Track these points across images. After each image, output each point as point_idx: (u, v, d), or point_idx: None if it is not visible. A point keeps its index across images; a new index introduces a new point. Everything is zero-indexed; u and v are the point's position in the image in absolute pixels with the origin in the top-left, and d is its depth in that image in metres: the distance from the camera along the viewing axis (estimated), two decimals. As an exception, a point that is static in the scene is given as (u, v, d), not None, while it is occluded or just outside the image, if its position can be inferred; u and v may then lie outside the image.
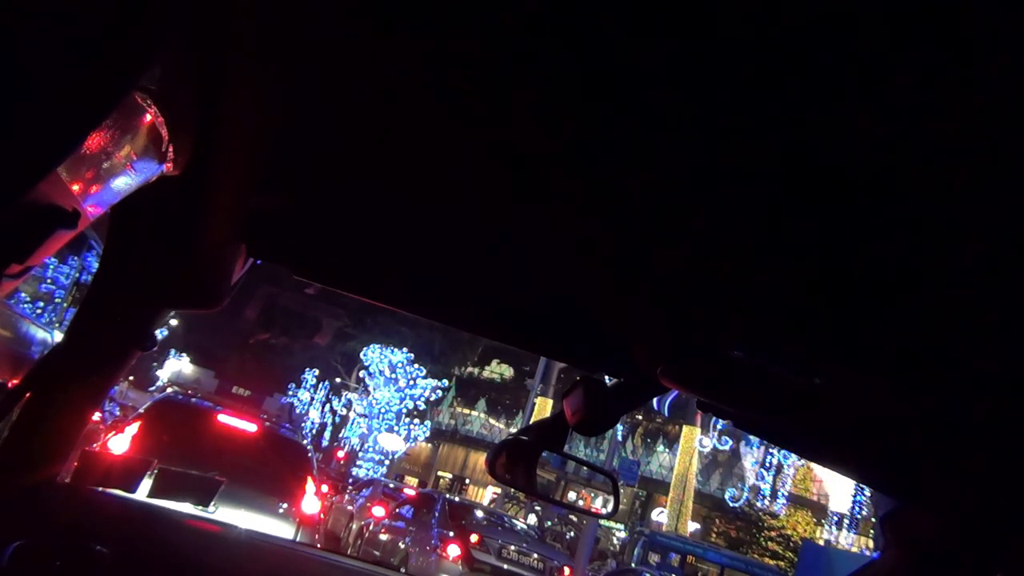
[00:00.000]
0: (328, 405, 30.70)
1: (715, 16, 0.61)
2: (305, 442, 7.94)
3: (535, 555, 9.83)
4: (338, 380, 31.53)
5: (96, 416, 3.22)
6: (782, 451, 19.31)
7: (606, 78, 0.74)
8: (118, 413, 13.54)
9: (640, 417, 26.65)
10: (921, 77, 0.60)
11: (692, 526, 22.73)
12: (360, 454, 26.28)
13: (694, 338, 1.24)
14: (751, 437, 17.74)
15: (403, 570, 8.77)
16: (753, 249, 0.94)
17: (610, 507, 1.96)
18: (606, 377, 1.61)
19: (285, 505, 5.96)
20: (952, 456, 1.08)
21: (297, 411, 30.50)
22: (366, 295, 1.60)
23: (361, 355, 27.25)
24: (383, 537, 10.67)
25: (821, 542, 20.74)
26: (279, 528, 5.67)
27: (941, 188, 0.70)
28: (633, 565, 15.94)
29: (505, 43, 0.74)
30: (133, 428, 5.75)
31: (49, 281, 6.54)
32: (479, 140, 0.94)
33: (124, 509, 1.56)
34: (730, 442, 22.29)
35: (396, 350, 26.57)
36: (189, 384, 27.42)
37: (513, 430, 20.71)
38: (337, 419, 30.27)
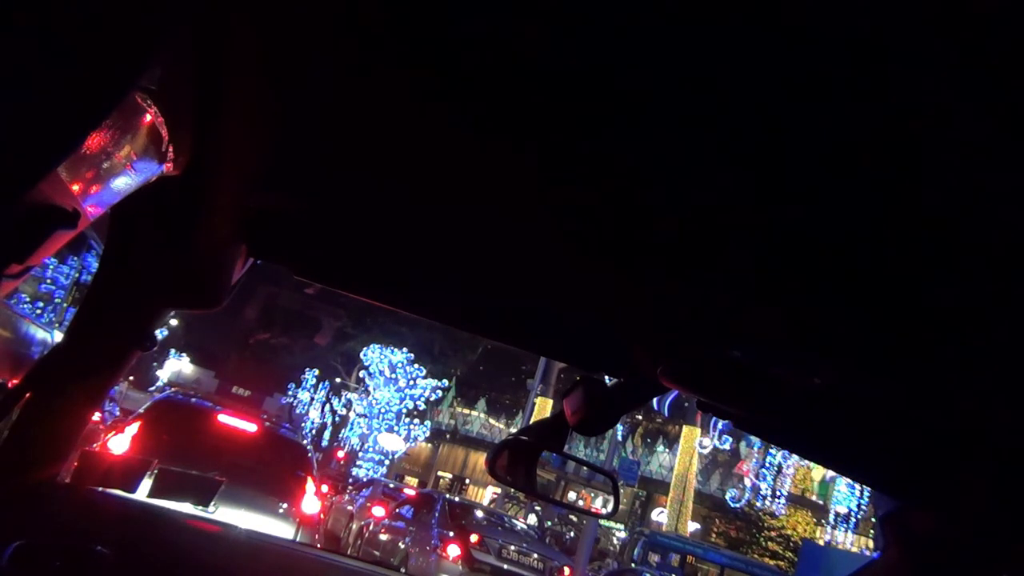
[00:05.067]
0: (328, 405, 30.68)
1: (710, 13, 0.61)
2: (305, 442, 7.94)
3: (535, 555, 9.83)
4: (338, 380, 31.52)
5: (96, 416, 3.22)
6: (782, 451, 19.32)
7: (605, 78, 0.74)
8: (118, 413, 13.53)
9: (640, 417, 26.64)
10: (923, 76, 0.60)
11: (692, 526, 22.73)
12: (360, 454, 26.27)
13: (694, 338, 1.24)
14: (751, 437, 17.74)
15: (403, 570, 8.77)
16: (753, 249, 0.94)
17: (610, 507, 1.96)
18: (606, 377, 1.61)
19: (285, 505, 5.96)
20: (952, 456, 1.08)
21: (297, 411, 30.49)
22: (366, 295, 1.60)
23: (361, 355, 27.24)
24: (383, 537, 10.67)
25: (821, 542, 20.74)
26: (279, 528, 5.67)
27: (942, 188, 0.70)
28: (633, 565, 15.94)
29: (504, 45, 0.74)
30: (133, 428, 5.75)
31: (49, 281, 6.53)
32: (479, 140, 0.94)
33: (124, 509, 1.56)
34: (730, 440, 22.31)
35: (396, 350, 26.55)
36: (189, 384, 27.43)
37: (513, 430, 20.72)
38: (337, 419, 30.26)
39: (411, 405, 26.69)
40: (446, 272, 1.43)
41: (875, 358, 1.03)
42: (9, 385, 1.34)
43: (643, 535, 18.08)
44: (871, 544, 19.63)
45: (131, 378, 24.72)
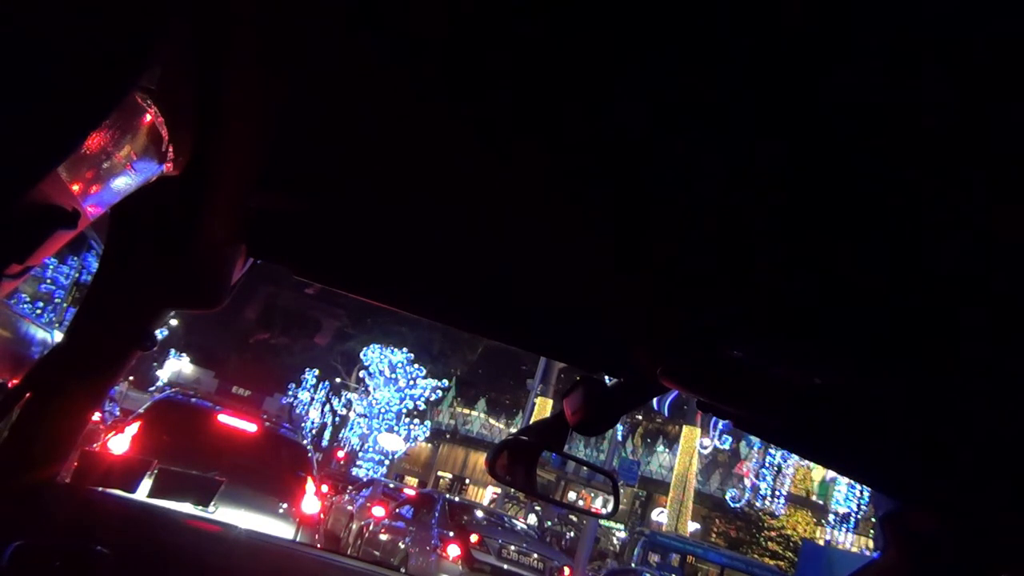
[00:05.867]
0: (328, 405, 30.70)
1: (713, 15, 0.61)
2: (305, 442, 7.94)
3: (535, 555, 9.83)
4: (338, 380, 31.53)
5: (96, 416, 3.22)
6: (781, 451, 19.32)
7: (604, 78, 0.74)
8: (118, 413, 13.53)
9: (640, 417, 26.66)
10: (921, 76, 0.60)
11: (692, 526, 22.73)
12: (360, 454, 26.29)
13: (694, 338, 1.24)
14: (751, 437, 17.74)
15: (403, 570, 8.77)
16: (753, 249, 0.94)
17: (610, 507, 1.96)
18: (606, 377, 1.61)
19: (285, 505, 5.96)
20: (952, 456, 1.08)
21: (297, 411, 30.51)
22: (366, 295, 1.60)
23: (361, 355, 27.25)
24: (383, 537, 10.67)
25: (821, 542, 20.74)
26: (279, 528, 5.67)
27: (942, 188, 0.70)
28: (633, 565, 15.93)
29: (503, 46, 0.74)
30: (133, 428, 5.75)
31: (49, 281, 6.53)
32: (479, 141, 0.94)
33: (124, 509, 1.56)
34: (729, 440, 22.32)
35: (396, 350, 26.56)
36: (189, 384, 27.43)
37: (513, 430, 20.70)
38: (337, 419, 30.27)
39: (411, 405, 26.70)
40: (446, 272, 1.44)
41: (875, 358, 1.03)
42: (9, 385, 1.34)
43: (643, 535, 18.06)
44: (871, 544, 19.64)
45: (131, 378, 24.71)
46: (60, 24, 0.65)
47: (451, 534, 9.38)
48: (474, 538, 9.37)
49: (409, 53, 0.81)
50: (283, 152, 1.12)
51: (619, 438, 21.08)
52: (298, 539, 5.62)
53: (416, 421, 26.97)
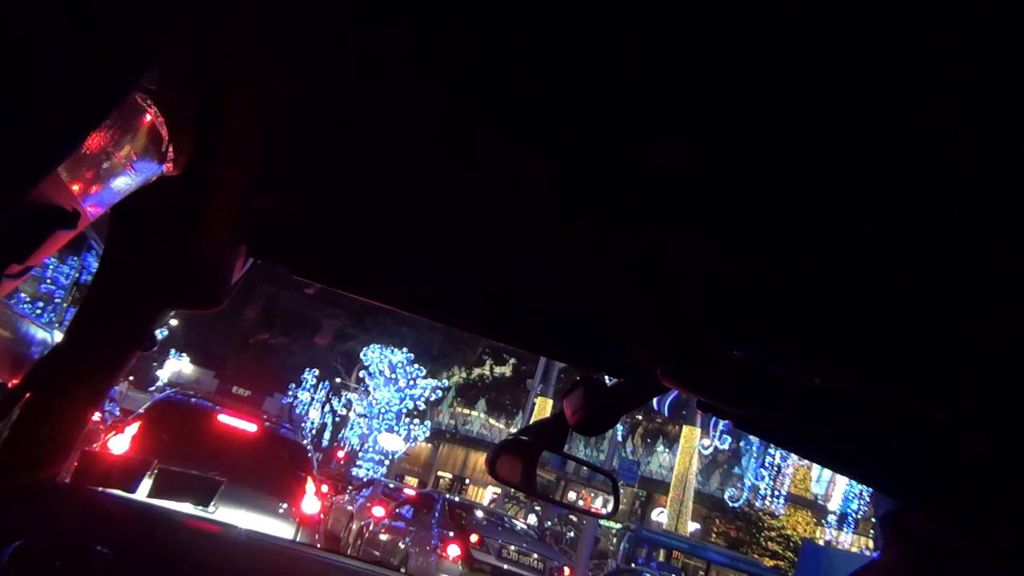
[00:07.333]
0: (328, 405, 30.70)
1: (713, 17, 0.61)
2: (305, 442, 7.94)
3: (535, 555, 9.83)
4: (338, 380, 31.53)
5: (96, 416, 3.22)
6: (780, 451, 19.32)
7: (603, 77, 0.74)
8: (118, 413, 13.53)
9: (640, 417, 26.67)
10: (915, 78, 0.60)
11: (692, 526, 22.74)
12: (360, 454, 26.29)
13: (694, 338, 1.24)
14: (751, 437, 17.74)
15: (403, 570, 8.77)
16: (753, 249, 0.94)
17: (610, 507, 1.96)
18: (606, 377, 1.61)
19: (285, 505, 5.96)
20: (952, 456, 1.08)
21: (297, 411, 30.51)
22: (366, 295, 1.60)
23: (361, 355, 27.25)
24: (383, 537, 10.67)
25: (821, 542, 20.74)
26: (279, 528, 5.67)
27: (940, 188, 0.70)
28: (633, 565, 15.86)
29: (504, 44, 0.74)
30: (133, 428, 5.75)
31: (49, 281, 6.53)
32: (479, 140, 0.94)
33: (124, 509, 1.56)
34: (730, 440, 22.33)
35: (396, 350, 26.57)
36: (189, 384, 27.41)
37: (513, 430, 20.71)
38: (337, 419, 30.28)
39: (411, 405, 26.70)
40: (446, 272, 1.44)
41: (875, 358, 1.03)
42: (9, 385, 1.34)
43: (628, 530, 17.82)
44: (871, 544, 19.64)
45: (131, 378, 24.69)
46: (60, 24, 0.65)
47: (451, 534, 9.37)
48: (474, 538, 9.37)
49: (409, 53, 0.81)
50: (283, 152, 1.12)
51: (619, 438, 21.09)
52: (298, 539, 5.62)
53: (416, 421, 26.97)
